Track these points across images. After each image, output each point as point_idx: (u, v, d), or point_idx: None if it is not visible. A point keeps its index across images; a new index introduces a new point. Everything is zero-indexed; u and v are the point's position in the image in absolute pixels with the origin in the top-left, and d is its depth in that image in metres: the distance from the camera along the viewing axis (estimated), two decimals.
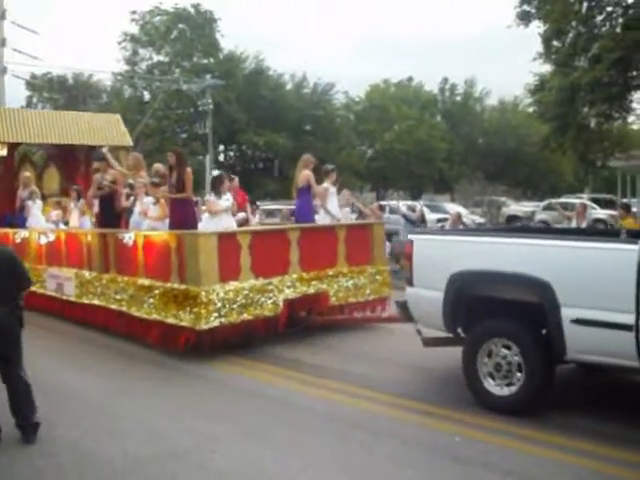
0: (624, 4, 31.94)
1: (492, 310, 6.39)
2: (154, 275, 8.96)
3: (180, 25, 46.40)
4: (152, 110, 41.69)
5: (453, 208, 30.91)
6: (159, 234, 8.99)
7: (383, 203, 33.08)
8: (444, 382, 7.31)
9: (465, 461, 5.18)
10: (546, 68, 35.05)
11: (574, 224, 13.80)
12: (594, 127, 33.08)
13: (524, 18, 34.48)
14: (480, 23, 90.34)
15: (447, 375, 7.45)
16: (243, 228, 9.46)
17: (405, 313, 7.19)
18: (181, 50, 46.62)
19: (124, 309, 9.42)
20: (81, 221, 11.80)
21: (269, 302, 8.76)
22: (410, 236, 7.09)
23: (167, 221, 9.54)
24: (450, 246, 6.69)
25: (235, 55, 47.45)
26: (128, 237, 9.10)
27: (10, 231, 12.76)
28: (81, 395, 7.06)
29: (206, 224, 9.11)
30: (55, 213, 12.42)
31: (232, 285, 8.42)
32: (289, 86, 48.33)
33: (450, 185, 48.15)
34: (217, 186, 9.28)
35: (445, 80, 49.43)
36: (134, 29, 46.16)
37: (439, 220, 28.25)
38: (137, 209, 9.82)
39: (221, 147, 49.09)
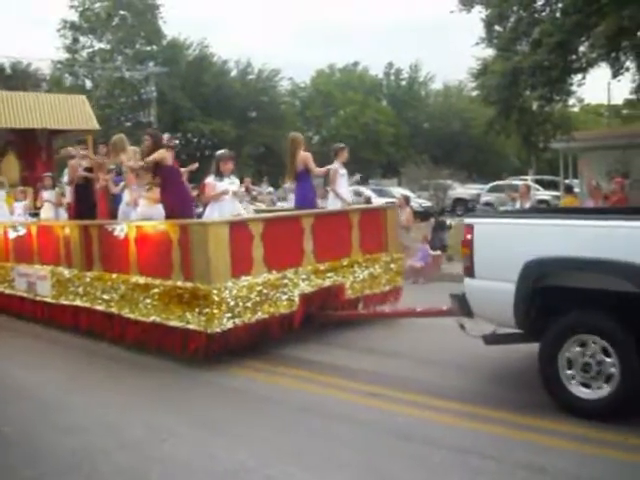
0: None
1: (577, 303, 5.32)
2: (150, 272, 7.60)
3: (121, 12, 44.15)
4: (95, 99, 39.47)
5: (399, 192, 30.13)
6: (156, 224, 7.62)
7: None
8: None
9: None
10: (489, 52, 34.67)
11: (518, 205, 13.36)
12: (536, 110, 32.95)
13: (466, 3, 33.97)
14: (424, 8, 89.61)
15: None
16: (254, 215, 8.14)
17: (463, 307, 6.06)
18: (123, 37, 44.34)
19: (114, 311, 8.04)
20: (57, 212, 10.23)
21: (284, 298, 7.52)
22: (468, 220, 5.95)
23: (159, 208, 8.19)
24: (524, 230, 5.58)
25: (178, 42, 45.49)
26: (120, 229, 7.68)
27: None
28: (31, 391, 6.63)
29: (208, 213, 7.79)
30: (21, 204, 10.79)
31: (245, 281, 7.15)
32: (234, 73, 46.64)
33: (397, 169, 47.40)
34: (218, 167, 7.93)
35: (390, 65, 48.46)
36: (74, 16, 43.68)
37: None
38: (125, 197, 8.37)
39: (166, 135, 47.02)
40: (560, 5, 30.97)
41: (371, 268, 8.56)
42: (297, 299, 7.63)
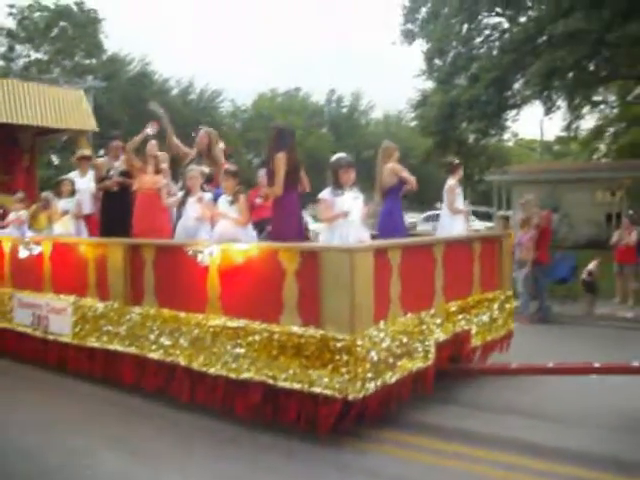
0: (501, 28, 31.72)
1: None
2: (241, 312, 5.33)
3: (62, 23, 40.68)
4: None
5: None
6: (261, 248, 5.35)
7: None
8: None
9: None
10: (428, 85, 34.41)
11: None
12: (472, 143, 32.74)
13: (408, 36, 33.57)
14: (367, 38, 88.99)
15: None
16: (391, 240, 5.98)
17: None
18: (62, 49, 40.83)
19: (179, 361, 5.68)
20: (79, 227, 7.63)
21: (420, 349, 5.43)
22: None
23: (249, 230, 5.94)
24: None
25: (119, 57, 42.35)
26: (208, 253, 5.33)
27: None
28: None
29: (326, 239, 5.59)
30: (18, 214, 8.10)
31: (385, 327, 5.04)
32: (175, 91, 43.83)
33: None
34: (336, 176, 5.75)
35: (332, 92, 46.69)
36: (11, 23, 39.84)
37: None
38: (192, 211, 6.01)
39: (102, 151, 43.61)
40: (497, 43, 30.80)
41: (491, 309, 6.60)
42: (433, 350, 5.56)
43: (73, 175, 8.27)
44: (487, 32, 32.08)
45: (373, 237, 6.41)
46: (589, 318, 10.35)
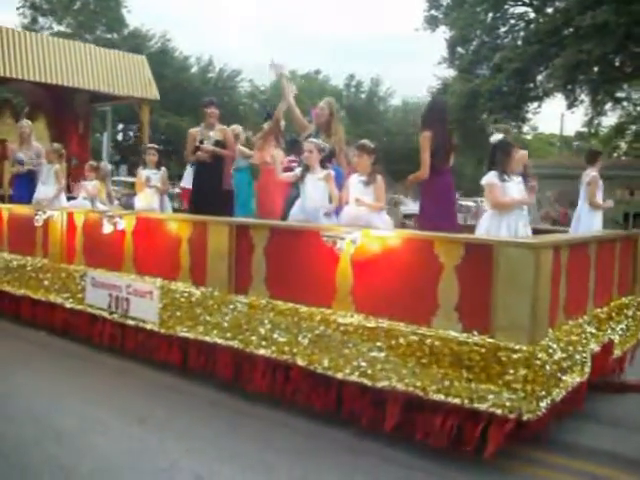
0: (526, 18, 30.90)
1: None
2: (380, 309, 4.54)
3: None
4: None
5: None
6: (408, 236, 4.54)
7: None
8: None
9: None
10: (449, 73, 33.66)
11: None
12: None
13: (431, 23, 32.80)
14: (389, 23, 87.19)
15: None
16: (560, 236, 5.17)
17: None
18: (84, 22, 39.76)
19: (298, 362, 4.87)
20: (163, 202, 6.79)
21: (578, 361, 4.65)
22: None
23: (383, 215, 5.14)
24: None
25: (141, 33, 41.24)
26: (351, 240, 4.50)
27: (3, 207, 7.47)
28: None
29: (489, 227, 4.79)
30: (91, 184, 7.23)
31: (555, 337, 4.25)
32: (194, 69, 42.76)
33: None
34: (502, 159, 4.93)
35: (351, 76, 45.49)
36: None
37: None
38: (314, 191, 5.17)
39: (120, 126, 42.57)
40: (522, 33, 29.89)
41: (627, 316, 5.81)
42: (589, 362, 4.78)
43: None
44: (512, 22, 31.17)
45: None
46: None
